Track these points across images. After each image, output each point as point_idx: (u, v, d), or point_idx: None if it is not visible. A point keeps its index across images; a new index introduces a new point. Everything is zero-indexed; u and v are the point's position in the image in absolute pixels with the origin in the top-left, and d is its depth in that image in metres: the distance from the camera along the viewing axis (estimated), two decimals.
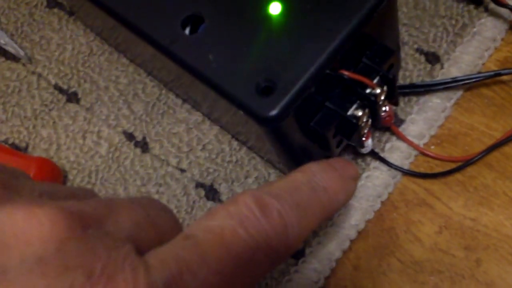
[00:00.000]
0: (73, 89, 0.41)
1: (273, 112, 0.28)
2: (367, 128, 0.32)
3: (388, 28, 0.33)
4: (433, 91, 0.36)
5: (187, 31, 0.31)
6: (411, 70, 0.37)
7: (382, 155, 0.36)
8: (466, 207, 0.34)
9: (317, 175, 0.26)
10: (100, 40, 0.42)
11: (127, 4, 0.33)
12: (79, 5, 0.39)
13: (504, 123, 0.35)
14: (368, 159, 0.36)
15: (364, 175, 0.35)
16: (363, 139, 0.33)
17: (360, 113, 0.31)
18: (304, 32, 0.30)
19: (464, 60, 0.36)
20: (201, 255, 0.20)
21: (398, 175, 0.35)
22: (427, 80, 0.36)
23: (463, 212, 0.34)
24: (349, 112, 0.31)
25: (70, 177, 0.38)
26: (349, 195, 0.27)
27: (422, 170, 0.35)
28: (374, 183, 0.35)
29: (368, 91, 0.31)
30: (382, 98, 0.31)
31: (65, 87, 0.41)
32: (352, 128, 0.31)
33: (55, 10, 0.43)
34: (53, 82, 0.41)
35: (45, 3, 0.44)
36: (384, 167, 0.36)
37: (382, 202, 0.35)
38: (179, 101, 0.39)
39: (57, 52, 0.42)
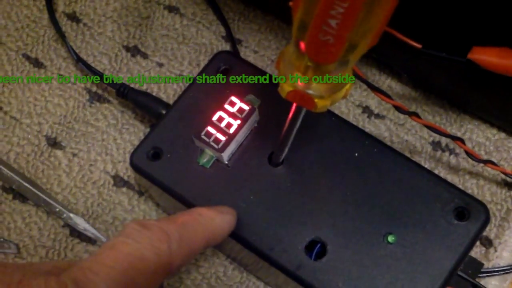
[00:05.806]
0: None
1: None
2: None
3: None
4: (492, 276, 0.42)
5: (311, 256, 0.35)
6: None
7: None
8: None
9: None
10: None
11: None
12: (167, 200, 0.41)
13: None
14: None
15: None
16: None
17: None
18: (419, 260, 0.34)
19: None
20: (98, 260, 0.27)
21: None
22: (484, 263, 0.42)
23: None
24: None
25: None
26: (226, 221, 0.34)
27: None
28: None
29: None
30: None
31: None
32: None
33: (124, 189, 0.45)
34: None
35: (111, 182, 0.46)
36: None
37: None
38: (261, 284, 0.42)
39: None
